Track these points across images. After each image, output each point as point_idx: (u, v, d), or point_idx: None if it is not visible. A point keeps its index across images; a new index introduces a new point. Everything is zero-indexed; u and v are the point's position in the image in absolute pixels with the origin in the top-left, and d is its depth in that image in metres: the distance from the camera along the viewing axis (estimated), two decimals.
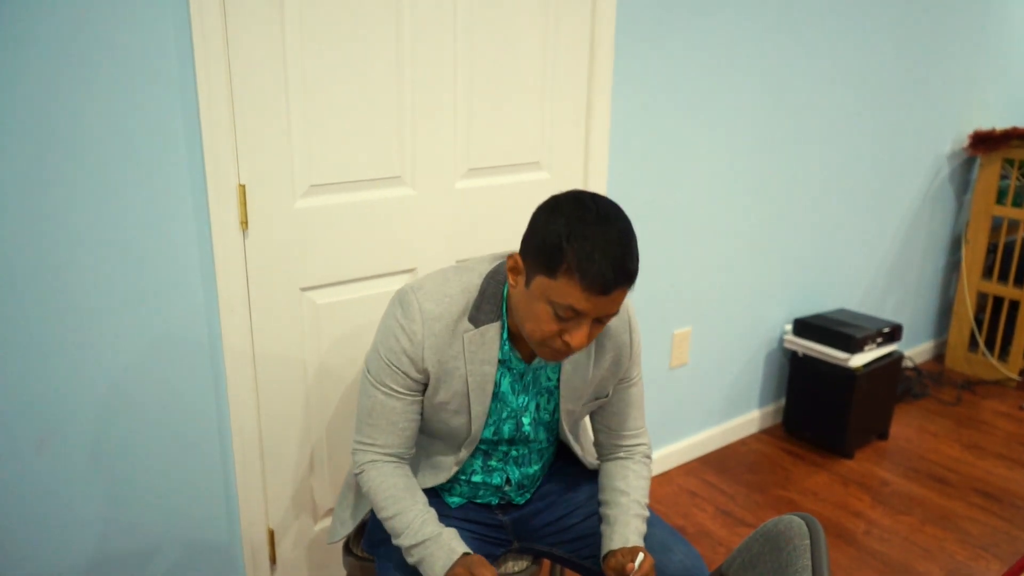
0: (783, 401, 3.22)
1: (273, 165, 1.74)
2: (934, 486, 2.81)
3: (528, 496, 1.64)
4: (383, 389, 1.42)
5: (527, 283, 1.30)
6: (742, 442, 3.08)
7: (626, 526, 1.45)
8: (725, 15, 2.46)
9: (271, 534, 1.99)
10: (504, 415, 1.49)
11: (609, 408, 1.56)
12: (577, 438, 1.61)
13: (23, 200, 1.48)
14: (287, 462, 1.97)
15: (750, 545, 1.33)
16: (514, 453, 1.56)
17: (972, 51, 3.45)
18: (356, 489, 1.63)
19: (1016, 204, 3.49)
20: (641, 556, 1.35)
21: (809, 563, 1.17)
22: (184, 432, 1.78)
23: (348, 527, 1.63)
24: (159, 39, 1.54)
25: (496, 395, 1.46)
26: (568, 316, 1.26)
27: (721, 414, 3.01)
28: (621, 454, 1.58)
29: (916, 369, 3.63)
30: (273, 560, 2.02)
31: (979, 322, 3.73)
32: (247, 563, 1.96)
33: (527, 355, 1.45)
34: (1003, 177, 3.55)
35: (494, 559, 1.62)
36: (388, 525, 1.42)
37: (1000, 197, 3.53)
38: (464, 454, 1.52)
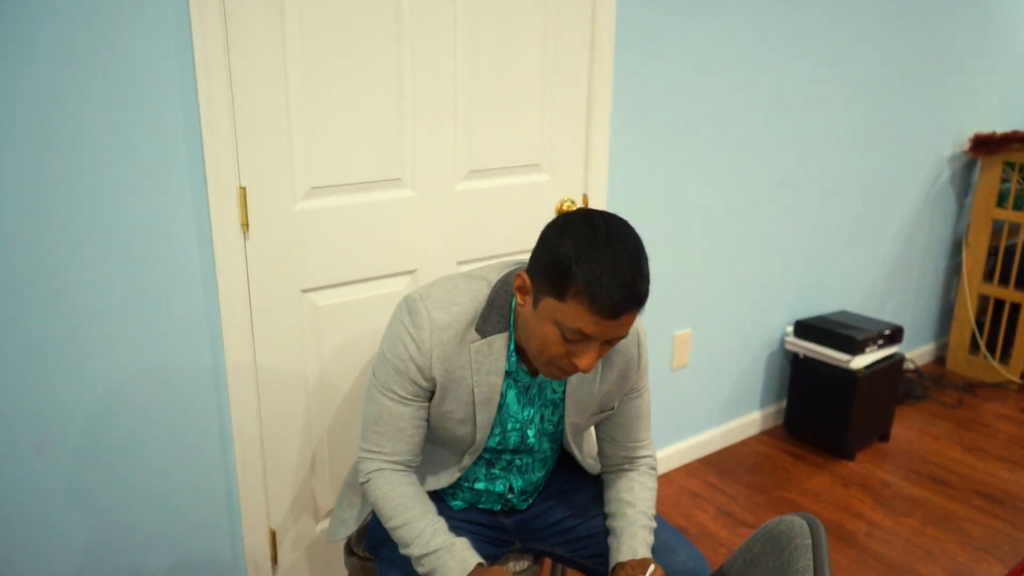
0: (784, 402, 3.22)
1: (274, 167, 1.75)
2: (935, 488, 2.81)
3: (530, 501, 1.64)
4: (390, 396, 1.40)
5: (535, 303, 1.28)
6: (743, 443, 3.08)
7: (634, 538, 1.45)
8: (726, 18, 2.46)
9: (272, 535, 1.99)
10: (509, 427, 1.48)
11: (615, 420, 1.54)
12: (580, 447, 1.60)
13: (23, 201, 1.48)
14: (288, 463, 1.97)
15: (751, 545, 1.33)
16: (518, 462, 1.55)
17: (973, 54, 3.46)
18: (358, 489, 1.63)
19: (1017, 207, 3.49)
20: (652, 568, 1.35)
21: (810, 563, 1.17)
22: (185, 433, 1.79)
23: (350, 527, 1.62)
24: (159, 41, 1.55)
25: (502, 406, 1.45)
26: (576, 339, 1.24)
27: (722, 415, 3.01)
28: (626, 466, 1.56)
29: (917, 371, 3.63)
30: (274, 560, 2.02)
31: (980, 325, 3.73)
32: (248, 563, 1.96)
33: (533, 368, 1.44)
34: (1004, 180, 3.55)
35: (495, 559, 1.62)
36: (397, 534, 1.39)
37: (1001, 200, 3.53)
38: (467, 461, 1.51)
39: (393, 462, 1.44)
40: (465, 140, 2.01)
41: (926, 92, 3.30)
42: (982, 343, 3.66)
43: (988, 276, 3.67)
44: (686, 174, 2.54)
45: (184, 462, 1.80)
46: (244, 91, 1.67)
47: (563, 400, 1.49)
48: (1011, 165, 3.50)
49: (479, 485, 1.58)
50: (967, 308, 3.68)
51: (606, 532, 1.55)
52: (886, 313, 3.57)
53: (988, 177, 3.53)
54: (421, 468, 1.57)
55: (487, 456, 1.53)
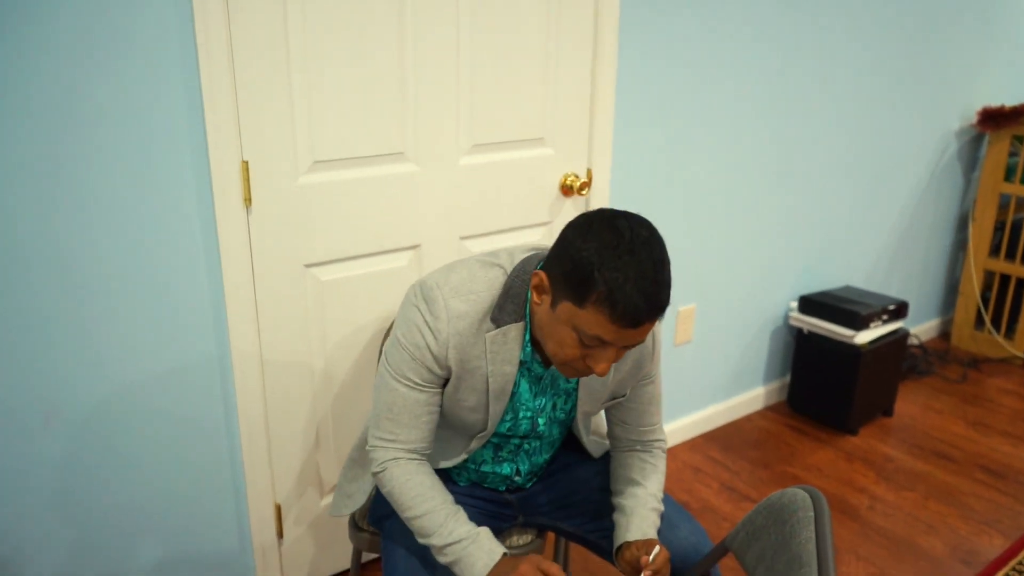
0: (788, 378, 3.23)
1: (276, 141, 1.74)
2: (938, 462, 2.82)
3: (535, 480, 1.65)
4: (405, 382, 1.37)
5: (552, 304, 1.25)
6: (747, 419, 3.09)
7: (643, 519, 1.44)
8: None
9: (278, 509, 2.01)
10: (521, 414, 1.47)
11: (627, 405, 1.53)
12: (588, 429, 1.60)
13: (24, 177, 1.48)
14: (293, 438, 1.98)
15: (753, 518, 1.33)
16: (526, 447, 1.55)
17: (981, 27, 3.41)
18: (363, 464, 1.64)
19: None
20: (657, 549, 1.35)
21: (812, 535, 1.18)
22: (190, 409, 1.79)
23: (357, 502, 1.62)
24: (159, 12, 1.53)
25: (514, 395, 1.44)
26: (594, 344, 1.23)
27: (726, 391, 3.01)
28: (637, 448, 1.56)
29: (922, 347, 3.63)
30: (280, 534, 2.03)
31: (985, 300, 3.72)
32: (255, 537, 1.97)
33: (547, 359, 1.42)
34: (1012, 154, 3.52)
35: (499, 533, 1.63)
36: (416, 524, 1.38)
37: (1008, 175, 3.51)
38: (475, 445, 1.50)
39: (408, 450, 1.41)
40: (468, 114, 2.00)
41: (933, 65, 3.27)
42: (987, 318, 3.66)
43: (994, 251, 3.65)
44: (691, 149, 2.52)
45: (189, 437, 1.81)
46: (246, 64, 1.65)
47: (576, 390, 1.48)
48: (1019, 139, 3.47)
49: (485, 467, 1.58)
50: (972, 283, 3.67)
51: (610, 508, 1.55)
52: (891, 288, 3.55)
53: (996, 151, 3.50)
54: None
55: (495, 440, 1.53)
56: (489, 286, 1.35)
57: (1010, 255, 3.59)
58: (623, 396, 1.51)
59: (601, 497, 1.59)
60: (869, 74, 3.00)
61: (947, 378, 3.47)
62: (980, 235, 3.62)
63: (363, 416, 2.09)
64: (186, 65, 1.59)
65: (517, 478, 1.59)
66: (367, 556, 2.21)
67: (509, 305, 1.34)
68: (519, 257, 1.38)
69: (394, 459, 1.40)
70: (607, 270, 1.16)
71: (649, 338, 1.46)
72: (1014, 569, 2.26)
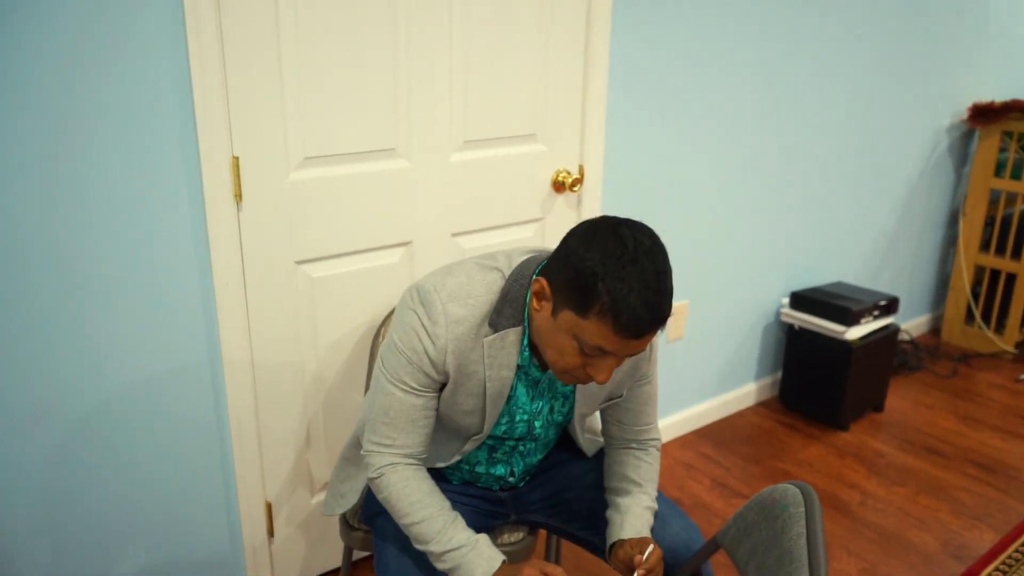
0: (779, 374, 3.23)
1: (267, 137, 1.73)
2: (929, 458, 2.83)
3: (527, 479, 1.65)
4: (401, 386, 1.36)
5: (553, 312, 1.24)
6: (738, 415, 3.10)
7: (637, 518, 1.44)
8: None
9: (268, 507, 2.00)
10: (517, 417, 1.46)
11: (623, 405, 1.53)
12: (583, 430, 1.60)
13: (11, 174, 1.47)
14: (284, 435, 1.97)
15: (745, 514, 1.33)
16: (521, 448, 1.55)
17: (972, 23, 3.42)
18: (355, 462, 1.63)
19: (1015, 177, 3.48)
20: (651, 548, 1.35)
21: (803, 531, 1.18)
22: (180, 406, 1.78)
23: (349, 501, 1.61)
24: (149, 9, 1.52)
25: (510, 398, 1.43)
26: (594, 354, 1.23)
27: (717, 387, 3.02)
28: (633, 446, 1.55)
29: (912, 342, 3.64)
30: (271, 533, 2.03)
31: (976, 295, 3.73)
32: (245, 536, 1.97)
33: (544, 363, 1.41)
34: (1002, 150, 3.54)
35: (491, 531, 1.63)
36: (414, 531, 1.36)
37: (999, 170, 3.52)
38: (470, 447, 1.49)
39: (405, 455, 1.40)
40: (460, 110, 1.99)
41: (924, 61, 3.28)
42: (977, 313, 3.67)
43: (985, 246, 3.67)
44: (682, 145, 2.52)
45: (179, 435, 1.80)
46: (236, 59, 1.64)
47: (573, 392, 1.47)
48: (1009, 134, 3.48)
49: (479, 468, 1.57)
50: (963, 279, 3.68)
51: (603, 505, 1.55)
52: (882, 284, 3.56)
53: (986, 147, 3.51)
54: None
55: (490, 442, 1.52)
56: (487, 290, 1.34)
57: (1000, 250, 3.60)
58: (620, 396, 1.51)
59: (594, 495, 1.59)
60: (861, 71, 3.01)
61: (937, 373, 3.48)
62: (971, 230, 3.63)
63: (354, 414, 2.08)
64: (176, 60, 1.57)
65: (511, 479, 1.59)
66: (358, 554, 2.20)
67: (507, 310, 1.33)
68: (517, 260, 1.37)
69: (391, 464, 1.39)
70: (611, 280, 1.15)
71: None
72: (1004, 563, 2.27)
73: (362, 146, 1.87)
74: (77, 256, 1.57)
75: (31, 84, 1.44)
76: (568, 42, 2.13)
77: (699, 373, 2.92)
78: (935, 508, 2.53)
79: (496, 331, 1.33)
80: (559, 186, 2.22)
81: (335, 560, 2.18)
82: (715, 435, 2.94)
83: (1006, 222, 3.58)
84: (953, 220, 3.84)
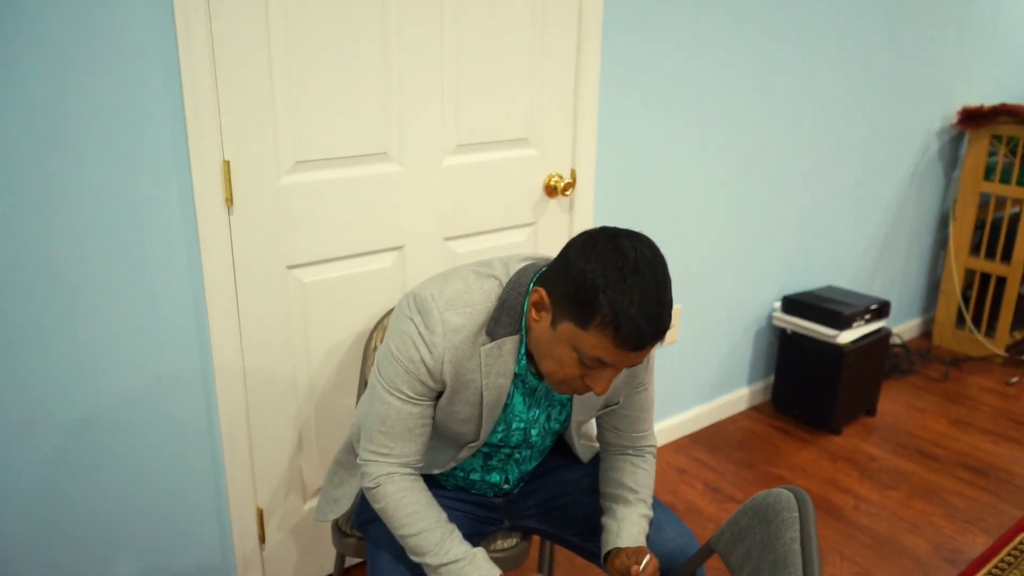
0: (772, 378, 3.23)
1: (258, 141, 1.72)
2: (921, 461, 2.83)
3: (522, 485, 1.64)
4: (398, 395, 1.34)
5: (552, 323, 1.24)
6: (731, 419, 3.09)
7: (634, 525, 1.44)
8: None
9: (260, 513, 1.99)
10: (514, 425, 1.45)
11: (620, 412, 1.52)
12: (579, 436, 1.59)
13: (1, 180, 1.45)
14: (275, 441, 1.96)
15: (739, 519, 1.33)
16: (516, 456, 1.54)
17: (960, 27, 3.44)
18: (348, 467, 1.62)
19: (1004, 180, 3.49)
20: (648, 558, 1.35)
21: (798, 535, 1.17)
22: (171, 411, 1.77)
23: (343, 507, 1.60)
24: (139, 12, 1.51)
25: (507, 406, 1.42)
26: (594, 366, 1.22)
27: (710, 392, 3.02)
28: (629, 452, 1.55)
29: (904, 346, 3.65)
30: (262, 539, 2.01)
31: (966, 299, 3.75)
32: (236, 543, 1.95)
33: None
34: (991, 154, 3.55)
35: (484, 537, 1.62)
36: (411, 542, 1.36)
37: (988, 174, 3.54)
38: (465, 454, 1.48)
39: (402, 464, 1.38)
40: (452, 114, 1.98)
41: (914, 65, 3.29)
42: (968, 317, 3.68)
43: (975, 250, 3.68)
44: (674, 150, 2.52)
45: (169, 441, 1.79)
46: (227, 63, 1.63)
47: (571, 400, 1.47)
48: (998, 138, 3.50)
49: (474, 476, 1.56)
50: (953, 282, 3.69)
51: (598, 511, 1.55)
52: (873, 288, 3.57)
53: (976, 150, 3.53)
54: None
55: (485, 450, 1.51)
56: (484, 298, 1.33)
57: (990, 254, 3.62)
58: (617, 404, 1.50)
59: (589, 500, 1.58)
60: (851, 76, 3.02)
61: (929, 377, 3.49)
62: (960, 234, 3.65)
63: (346, 419, 2.07)
64: (166, 63, 1.57)
65: (505, 486, 1.58)
66: (350, 561, 2.19)
67: (504, 318, 1.32)
68: (514, 268, 1.36)
69: (388, 474, 1.38)
70: (612, 292, 1.15)
71: None
72: (997, 567, 2.27)
73: (354, 150, 1.86)
74: (67, 261, 1.55)
75: (20, 88, 1.43)
76: (560, 46, 2.13)
77: (692, 378, 2.92)
78: (928, 512, 2.54)
79: (493, 339, 1.32)
80: (551, 190, 2.22)
81: (327, 567, 2.16)
82: (708, 440, 2.94)
83: (996, 226, 3.60)
84: (943, 224, 3.86)
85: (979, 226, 3.66)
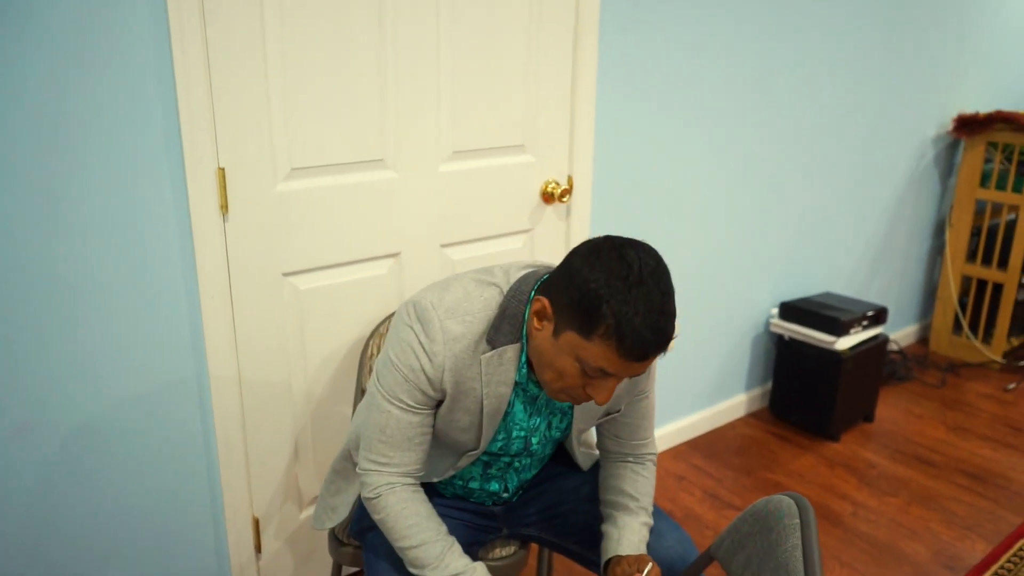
0: (769, 384, 3.23)
1: (253, 147, 1.71)
2: (920, 467, 2.82)
3: (520, 493, 1.63)
4: (398, 404, 1.33)
5: (555, 333, 1.22)
6: (729, 426, 3.09)
7: (635, 533, 1.43)
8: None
9: (256, 522, 1.97)
10: (514, 434, 1.44)
11: (621, 420, 1.51)
12: (580, 444, 1.58)
13: None
14: (271, 449, 1.95)
15: (739, 526, 1.32)
16: (516, 464, 1.53)
17: (956, 35, 3.45)
18: (346, 476, 1.60)
19: (1000, 187, 3.50)
20: (650, 566, 1.34)
21: (799, 542, 1.17)
22: (166, 419, 1.76)
23: (340, 515, 1.59)
24: (133, 18, 1.51)
25: (507, 415, 1.41)
26: (596, 376, 1.21)
27: (708, 398, 3.01)
28: (630, 459, 1.54)
29: (901, 352, 3.65)
30: (258, 548, 2.00)
31: (963, 305, 3.75)
32: (232, 552, 1.94)
33: None
34: (987, 160, 3.56)
35: (483, 545, 1.61)
36: (410, 555, 1.35)
37: (984, 180, 3.54)
38: (464, 463, 1.47)
39: (402, 474, 1.37)
40: (449, 121, 1.98)
41: (910, 73, 3.30)
42: (965, 323, 3.68)
43: (971, 256, 3.69)
44: (672, 155, 2.52)
45: (165, 447, 1.78)
46: (222, 69, 1.63)
47: (572, 408, 1.46)
48: (994, 145, 3.51)
49: (473, 484, 1.55)
50: (950, 289, 3.69)
51: (598, 518, 1.54)
52: (870, 294, 3.57)
53: (971, 157, 3.54)
54: None
55: (485, 458, 1.50)
56: (485, 306, 1.32)
57: (986, 260, 3.62)
58: (618, 411, 1.49)
59: (589, 508, 1.57)
60: (847, 83, 3.02)
61: (926, 383, 3.49)
62: (957, 241, 3.65)
63: (343, 427, 2.06)
64: (161, 70, 1.56)
65: (504, 494, 1.57)
66: (347, 570, 2.17)
67: (505, 326, 1.31)
68: (515, 276, 1.35)
69: (388, 484, 1.36)
70: (616, 303, 1.14)
71: None
72: (996, 574, 2.26)
73: (349, 157, 1.85)
74: (61, 269, 1.54)
75: (13, 95, 1.42)
76: (556, 52, 2.13)
77: (690, 384, 2.91)
78: (926, 518, 2.53)
79: (494, 348, 1.31)
80: (548, 197, 2.21)
81: None
82: (706, 446, 2.93)
83: (992, 232, 3.60)
84: (939, 230, 3.86)
85: (975, 232, 3.67)
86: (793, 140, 2.90)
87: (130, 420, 1.71)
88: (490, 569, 1.60)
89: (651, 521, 1.48)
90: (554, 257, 2.32)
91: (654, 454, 1.56)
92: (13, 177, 1.45)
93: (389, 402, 1.34)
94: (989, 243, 3.60)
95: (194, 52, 1.57)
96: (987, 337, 3.68)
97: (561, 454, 1.68)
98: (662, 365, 2.77)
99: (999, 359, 3.59)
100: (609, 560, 1.42)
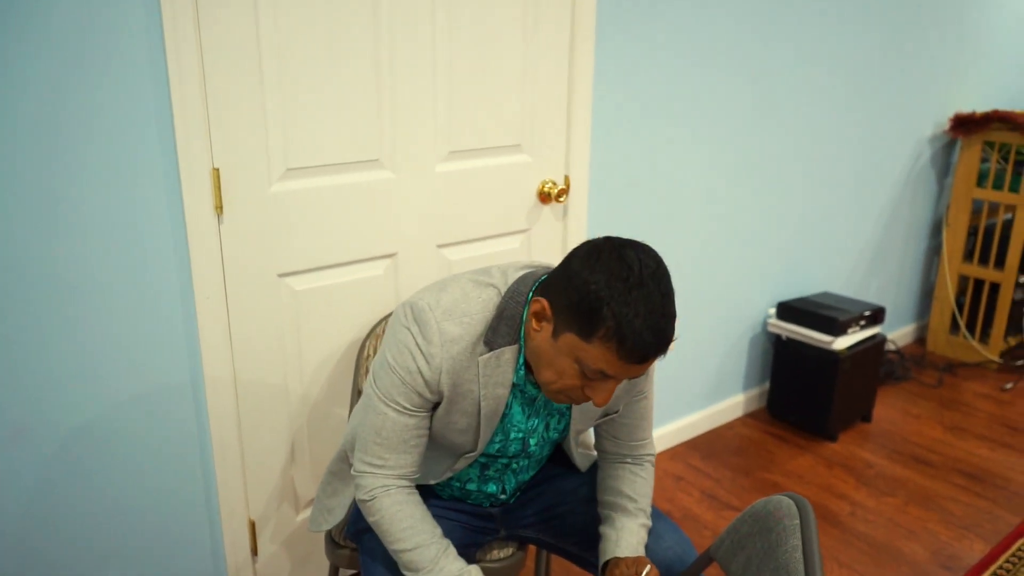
0: (767, 385, 3.22)
1: (248, 148, 1.70)
2: (917, 467, 2.82)
3: (518, 495, 1.62)
4: (394, 406, 1.32)
5: (554, 334, 1.22)
6: (727, 426, 3.08)
7: (633, 535, 1.43)
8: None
9: (252, 525, 1.96)
10: (512, 435, 1.44)
11: (619, 420, 1.50)
12: (578, 445, 1.57)
13: None
14: (267, 451, 1.94)
15: (738, 526, 1.31)
16: (514, 466, 1.52)
17: (953, 34, 3.45)
18: (342, 477, 1.59)
19: (997, 187, 3.50)
20: (648, 568, 1.33)
21: (799, 543, 1.16)
22: (161, 421, 1.74)
23: (337, 517, 1.58)
24: (127, 16, 1.50)
25: (505, 416, 1.40)
26: (595, 377, 1.21)
27: (706, 398, 3.00)
28: (628, 460, 1.53)
29: (898, 352, 3.65)
30: (254, 551, 1.98)
31: (960, 305, 3.75)
32: (228, 554, 1.92)
33: None
34: (984, 160, 3.56)
35: (480, 546, 1.60)
36: (405, 557, 1.34)
37: (981, 180, 3.54)
38: (461, 465, 1.46)
39: (398, 476, 1.36)
40: (445, 120, 1.97)
41: (907, 72, 3.30)
42: (962, 323, 3.68)
43: (968, 256, 3.69)
44: (668, 156, 2.52)
45: (160, 450, 1.76)
46: (216, 69, 1.62)
47: (570, 409, 1.45)
48: (991, 145, 3.50)
49: (470, 486, 1.54)
50: (947, 288, 3.69)
51: (596, 519, 1.53)
52: (868, 294, 3.57)
53: (968, 157, 3.53)
54: None
55: (482, 460, 1.49)
56: (483, 307, 1.31)
57: (983, 260, 3.62)
58: (616, 412, 1.48)
59: (587, 509, 1.56)
60: (844, 83, 3.02)
61: (924, 383, 3.48)
62: (954, 240, 3.65)
63: (339, 428, 2.05)
64: (155, 70, 1.55)
65: (502, 496, 1.56)
66: (344, 572, 2.16)
67: (503, 328, 1.30)
68: (512, 276, 1.34)
69: (383, 487, 1.36)
70: (616, 304, 1.13)
71: None
72: (995, 574, 2.26)
73: (345, 157, 1.84)
74: (55, 270, 1.53)
75: (6, 96, 1.41)
76: (553, 52, 2.12)
77: (687, 385, 2.91)
78: (924, 518, 2.52)
79: (491, 349, 1.30)
80: (545, 197, 2.21)
81: None
82: (704, 447, 2.92)
83: (989, 232, 3.60)
84: (936, 230, 3.86)
85: (972, 232, 3.67)
86: (790, 140, 2.90)
87: (125, 421, 1.70)
88: (488, 571, 1.59)
89: (649, 522, 1.47)
90: (551, 257, 2.31)
91: (652, 455, 1.55)
92: (7, 177, 1.44)
93: (385, 404, 1.33)
94: (986, 243, 3.60)
95: (188, 51, 1.56)
96: (984, 337, 3.68)
97: (559, 455, 1.67)
98: (660, 365, 2.77)
99: (996, 359, 3.59)
100: (607, 562, 1.42)
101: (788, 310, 3.00)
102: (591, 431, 1.64)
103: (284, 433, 1.95)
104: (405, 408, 1.32)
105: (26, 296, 1.51)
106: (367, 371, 1.81)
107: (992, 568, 2.28)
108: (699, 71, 2.50)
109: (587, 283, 1.16)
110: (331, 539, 1.67)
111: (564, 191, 2.20)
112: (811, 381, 2.95)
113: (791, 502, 1.21)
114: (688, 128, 2.54)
